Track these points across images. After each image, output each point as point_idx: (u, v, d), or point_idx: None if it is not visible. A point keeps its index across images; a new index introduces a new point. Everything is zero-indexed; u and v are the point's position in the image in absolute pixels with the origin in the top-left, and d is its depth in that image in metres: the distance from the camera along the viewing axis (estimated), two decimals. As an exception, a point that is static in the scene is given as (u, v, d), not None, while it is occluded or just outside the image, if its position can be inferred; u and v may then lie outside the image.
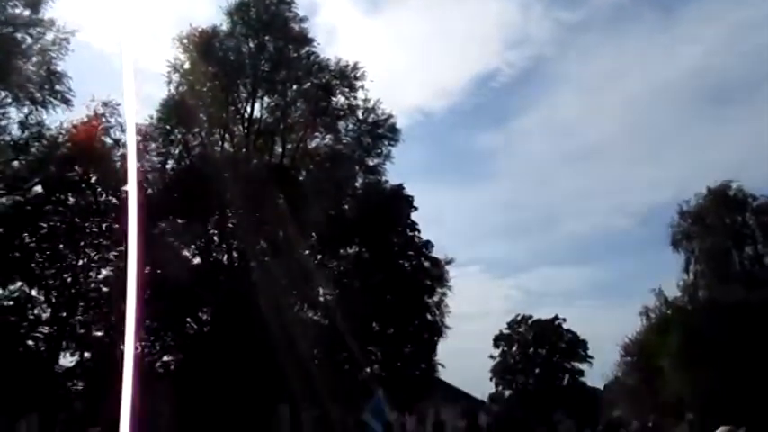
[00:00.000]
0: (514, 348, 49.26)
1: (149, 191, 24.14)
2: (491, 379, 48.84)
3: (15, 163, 22.52)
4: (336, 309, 23.28)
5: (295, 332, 21.78)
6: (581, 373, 47.48)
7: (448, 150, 78.33)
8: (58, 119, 21.96)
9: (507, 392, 47.65)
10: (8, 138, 21.88)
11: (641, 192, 78.84)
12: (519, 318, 49.48)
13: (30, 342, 22.23)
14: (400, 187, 25.59)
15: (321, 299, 24.73)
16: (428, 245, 25.59)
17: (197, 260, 24.59)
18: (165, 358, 24.32)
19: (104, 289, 23.31)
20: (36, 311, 22.86)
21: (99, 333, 23.14)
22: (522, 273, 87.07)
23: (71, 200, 23.03)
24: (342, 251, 25.01)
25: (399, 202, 25.15)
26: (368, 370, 24.91)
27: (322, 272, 24.63)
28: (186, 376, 22.17)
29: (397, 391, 22.53)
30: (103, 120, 22.96)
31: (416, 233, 25.54)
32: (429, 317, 25.23)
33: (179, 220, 23.56)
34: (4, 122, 21.72)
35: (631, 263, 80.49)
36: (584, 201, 77.37)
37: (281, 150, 25.36)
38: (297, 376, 19.07)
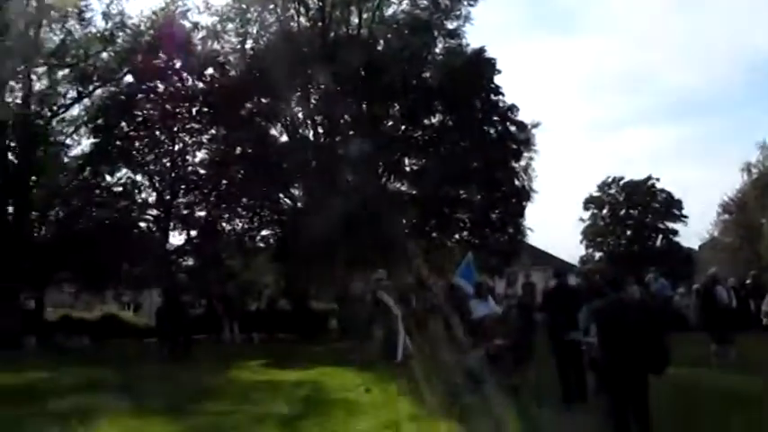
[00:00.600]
0: (605, 211, 48.46)
1: (232, 73, 24.48)
2: (581, 242, 48.79)
3: (104, 54, 23.26)
4: (423, 178, 23.49)
5: (383, 203, 22.32)
6: (675, 233, 46.36)
7: (531, 7, 73.97)
8: (138, 6, 22.32)
9: (598, 255, 47.55)
10: (94, 29, 22.53)
11: (743, 42, 72.42)
12: (610, 180, 48.22)
13: (142, 224, 24.05)
14: (482, 50, 24.55)
15: (407, 169, 24.93)
16: (513, 108, 24.85)
17: (284, 138, 25.18)
18: (264, 233, 25.72)
19: (201, 171, 24.52)
20: (143, 196, 24.54)
21: (201, 213, 24.65)
22: (613, 133, 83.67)
23: (160, 87, 23.79)
24: (425, 120, 24.76)
25: (481, 66, 24.24)
26: (456, 237, 25.42)
27: (406, 142, 24.67)
28: (285, 249, 23.44)
29: (487, 256, 22.99)
30: (180, 3, 23.13)
31: (501, 97, 24.78)
32: (516, 182, 25.04)
33: (263, 100, 23.94)
34: (88, 14, 22.31)
35: (731, 119, 75.90)
36: (683, 54, 72.21)
37: (357, 21, 24.79)
38: (386, 246, 19.75)
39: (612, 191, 48.63)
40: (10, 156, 22.14)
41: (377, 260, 15.64)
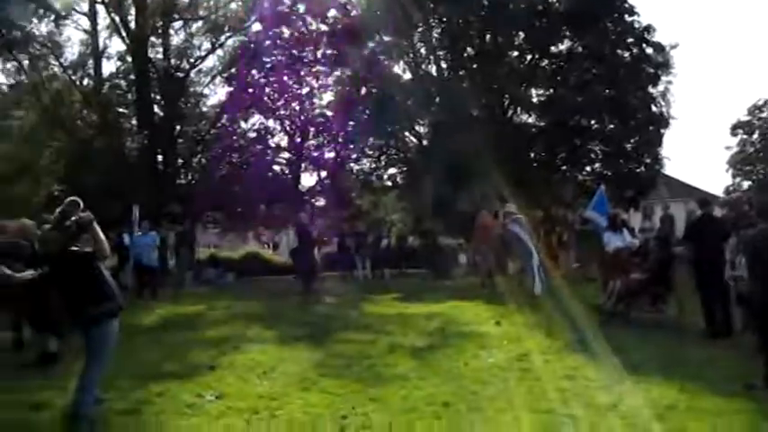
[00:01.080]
0: (755, 136, 44.38)
1: (353, 13, 24.56)
2: (727, 171, 45.25)
3: (233, 5, 24.14)
4: (551, 109, 22.59)
5: (509, 136, 21.81)
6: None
7: None
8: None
9: (746, 184, 43.88)
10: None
11: None
12: (761, 102, 43.87)
13: (276, 167, 25.22)
14: (612, -33, 22.81)
15: (534, 100, 24.06)
16: (649, 29, 23.03)
17: (407, 75, 25.09)
18: (391, 171, 26.13)
19: (329, 113, 25.14)
20: (276, 140, 25.65)
21: (330, 154, 25.42)
22: (765, 51, 75.27)
23: (286, 32, 24.39)
24: (552, 48, 23.59)
25: (613, -15, 22.57)
26: (588, 169, 24.41)
27: (534, 71, 23.74)
28: (411, 186, 23.71)
29: (621, 188, 21.95)
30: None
31: (635, 17, 23.02)
32: (653, 108, 23.40)
33: (386, 38, 23.89)
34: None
35: None
36: None
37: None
38: (515, 180, 19.38)
39: (764, 114, 44.29)
40: (156, 108, 23.84)
41: (505, 194, 15.42)
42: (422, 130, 24.98)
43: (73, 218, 5.10)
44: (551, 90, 23.31)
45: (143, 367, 7.04)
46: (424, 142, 24.59)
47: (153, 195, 20.81)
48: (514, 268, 12.03)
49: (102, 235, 5.11)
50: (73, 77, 23.93)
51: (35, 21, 22.46)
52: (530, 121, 24.52)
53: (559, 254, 16.57)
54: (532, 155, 23.89)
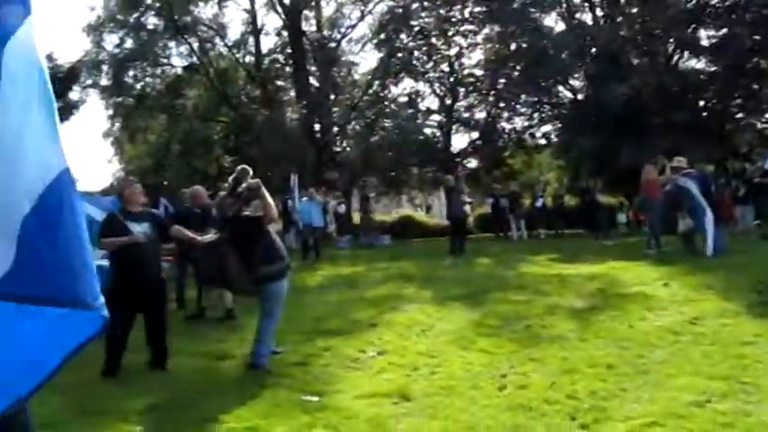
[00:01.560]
0: None
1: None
2: None
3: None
4: (723, 51, 20.47)
5: (674, 84, 20.15)
6: None
7: None
8: None
9: None
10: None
11: None
12: None
13: (427, 130, 25.36)
14: None
15: (703, 43, 21.93)
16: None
17: (560, 26, 23.95)
18: (545, 128, 25.27)
19: (478, 73, 24.74)
20: (426, 103, 25.75)
21: (481, 114, 25.07)
22: None
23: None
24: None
25: None
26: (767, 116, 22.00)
27: (703, 10, 21.59)
28: (567, 143, 22.80)
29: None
30: None
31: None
32: None
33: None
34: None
35: None
36: None
37: None
38: (683, 131, 17.93)
39: None
40: (312, 79, 24.86)
41: (672, 147, 14.34)
42: (577, 83, 23.83)
43: (244, 184, 5.51)
44: (724, 30, 21.09)
45: (310, 324, 7.52)
46: (580, 96, 23.45)
47: (311, 163, 21.86)
48: (684, 226, 11.16)
49: (270, 200, 5.48)
50: (236, 55, 25.56)
51: (201, 5, 24.18)
52: (698, 66, 22.46)
53: (736, 210, 15.20)
54: (702, 103, 21.91)
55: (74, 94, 20.88)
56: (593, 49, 21.61)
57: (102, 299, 1.34)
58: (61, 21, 67.65)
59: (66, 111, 20.07)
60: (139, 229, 5.54)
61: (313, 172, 21.73)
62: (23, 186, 1.27)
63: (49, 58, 19.25)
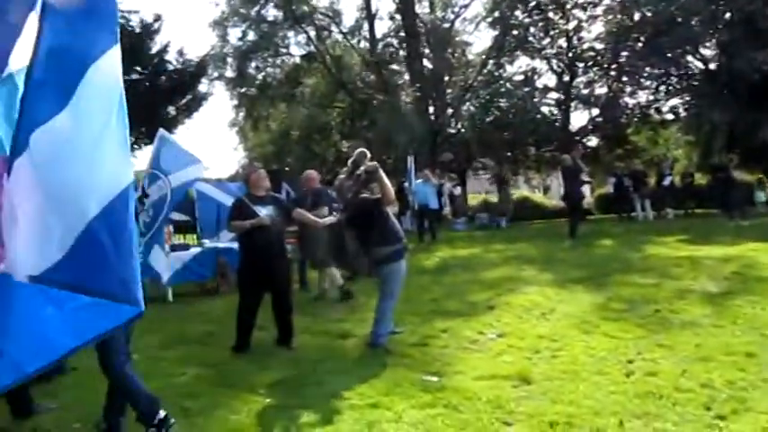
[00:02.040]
0: None
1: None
2: None
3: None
4: None
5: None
6: None
7: None
8: None
9: None
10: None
11: None
12: None
13: (544, 109, 24.60)
14: None
15: None
16: None
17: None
18: (672, 102, 23.74)
19: (599, 46, 23.60)
20: (543, 80, 24.96)
21: (602, 90, 23.95)
22: None
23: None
24: None
25: None
26: None
27: None
28: (697, 117, 21.33)
29: None
30: None
31: None
32: None
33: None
34: None
35: None
36: None
37: None
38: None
39: None
40: (425, 61, 24.82)
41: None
42: (708, 52, 22.12)
43: (362, 168, 5.62)
44: None
45: (428, 305, 7.58)
46: (712, 66, 21.77)
47: (426, 145, 21.89)
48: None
49: (387, 182, 5.56)
50: (351, 42, 26.00)
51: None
52: None
53: None
54: None
55: (202, 87, 22.14)
56: (728, 14, 19.94)
57: (141, 297, 1.40)
58: (190, 18, 71.80)
59: (196, 103, 21.30)
60: (265, 213, 5.80)
61: (428, 154, 21.75)
62: (95, 191, 1.42)
63: (180, 53, 20.51)
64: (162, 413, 3.80)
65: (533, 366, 4.94)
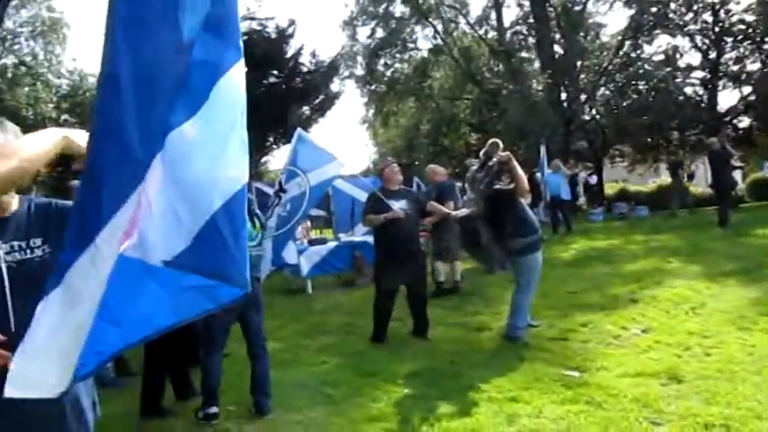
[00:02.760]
0: None
1: None
2: None
3: None
4: None
5: None
6: None
7: None
8: None
9: None
10: None
11: None
12: None
13: (688, 89, 22.96)
14: None
15: None
16: None
17: None
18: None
19: (749, 18, 21.63)
20: (686, 59, 23.30)
21: (754, 66, 21.95)
22: None
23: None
24: None
25: None
26: None
27: None
28: None
29: None
30: None
31: None
32: None
33: None
34: None
35: None
36: None
37: None
38: None
39: None
40: (556, 47, 24.01)
41: None
42: None
43: (494, 158, 5.55)
44: None
45: (566, 298, 7.36)
46: None
47: (559, 133, 21.19)
48: None
49: (521, 172, 5.45)
50: (479, 32, 25.70)
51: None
52: None
53: None
54: None
55: (334, 86, 22.81)
56: None
57: (248, 281, 1.61)
58: (321, 20, 74.30)
59: (328, 102, 21.99)
60: (399, 206, 5.89)
61: (561, 142, 21.04)
62: (220, 186, 1.60)
63: (312, 54, 21.25)
64: None
65: (684, 364, 4.66)
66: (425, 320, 6.15)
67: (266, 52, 17.59)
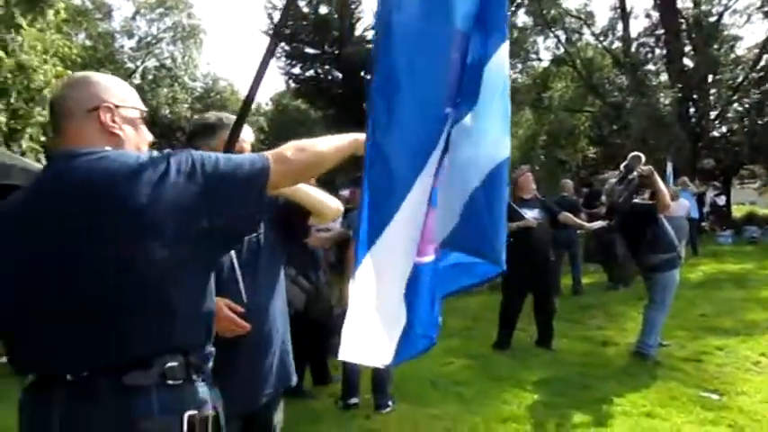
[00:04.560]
0: None
1: None
2: None
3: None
4: None
5: None
6: None
7: None
8: None
9: None
10: None
11: None
12: None
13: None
14: None
15: None
16: None
17: None
18: None
19: None
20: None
21: None
22: None
23: None
24: None
25: None
26: None
27: None
28: None
29: None
30: None
31: None
32: None
33: None
34: None
35: None
36: None
37: None
38: None
39: None
40: (685, 60, 22.92)
41: None
42: None
43: (635, 172, 5.49)
44: None
45: (696, 320, 7.12)
46: None
47: (686, 150, 20.21)
48: None
49: (663, 187, 5.34)
50: (603, 43, 24.98)
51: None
52: None
53: None
54: None
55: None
56: None
57: (504, 258, 1.68)
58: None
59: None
60: (531, 215, 5.93)
61: (688, 159, 20.05)
62: (478, 165, 1.64)
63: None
64: None
65: None
66: (551, 331, 6.14)
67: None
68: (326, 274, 5.01)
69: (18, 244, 1.39)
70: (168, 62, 28.06)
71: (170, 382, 1.34)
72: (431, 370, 5.49)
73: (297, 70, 22.27)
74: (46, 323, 1.35)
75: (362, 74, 22.19)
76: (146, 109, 1.66)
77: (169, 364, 1.35)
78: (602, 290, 9.22)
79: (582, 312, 7.93)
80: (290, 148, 1.54)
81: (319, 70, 23.15)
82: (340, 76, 23.00)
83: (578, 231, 8.27)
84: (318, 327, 4.68)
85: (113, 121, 1.50)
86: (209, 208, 1.39)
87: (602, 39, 24.89)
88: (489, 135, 1.69)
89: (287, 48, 21.79)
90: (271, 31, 22.52)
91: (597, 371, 5.32)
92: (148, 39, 28.07)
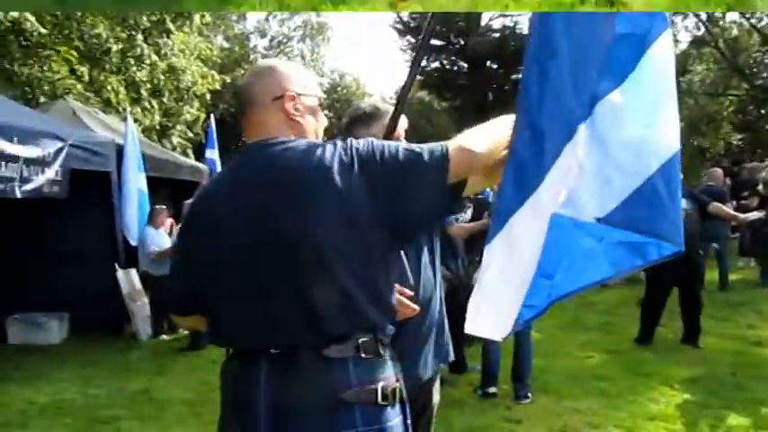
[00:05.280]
0: None
1: None
2: None
3: None
4: None
5: None
6: None
7: None
8: None
9: None
10: None
11: None
12: None
13: None
14: None
15: None
16: None
17: None
18: None
19: None
20: None
21: None
22: None
23: None
24: None
25: None
26: None
27: None
28: None
29: None
30: None
31: None
32: None
33: None
34: None
35: None
36: None
37: None
38: None
39: None
40: None
41: None
42: None
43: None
44: None
45: None
46: None
47: None
48: None
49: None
50: (750, 20, 23.05)
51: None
52: None
53: None
54: None
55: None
56: None
57: (682, 240, 1.61)
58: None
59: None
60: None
61: None
62: (655, 150, 1.64)
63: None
64: None
65: None
66: (698, 327, 5.84)
67: (519, 49, 17.65)
68: (465, 264, 5.05)
69: (217, 231, 1.50)
70: (298, 59, 29.15)
71: (363, 355, 1.44)
72: (569, 364, 5.40)
73: (422, 62, 22.36)
74: (249, 304, 1.47)
75: (488, 63, 21.97)
76: (324, 96, 1.77)
77: (362, 339, 1.45)
78: (751, 286, 8.62)
79: (730, 310, 7.44)
80: (464, 137, 1.56)
81: (445, 61, 23.17)
82: (465, 66, 22.89)
83: (731, 224, 7.77)
84: (457, 316, 4.74)
85: (296, 109, 1.57)
86: (393, 196, 1.45)
87: (748, 16, 22.96)
88: (663, 124, 1.68)
89: (412, 40, 21.97)
90: (398, 25, 22.84)
91: (752, 371, 5.01)
92: (280, 38, 29.30)
